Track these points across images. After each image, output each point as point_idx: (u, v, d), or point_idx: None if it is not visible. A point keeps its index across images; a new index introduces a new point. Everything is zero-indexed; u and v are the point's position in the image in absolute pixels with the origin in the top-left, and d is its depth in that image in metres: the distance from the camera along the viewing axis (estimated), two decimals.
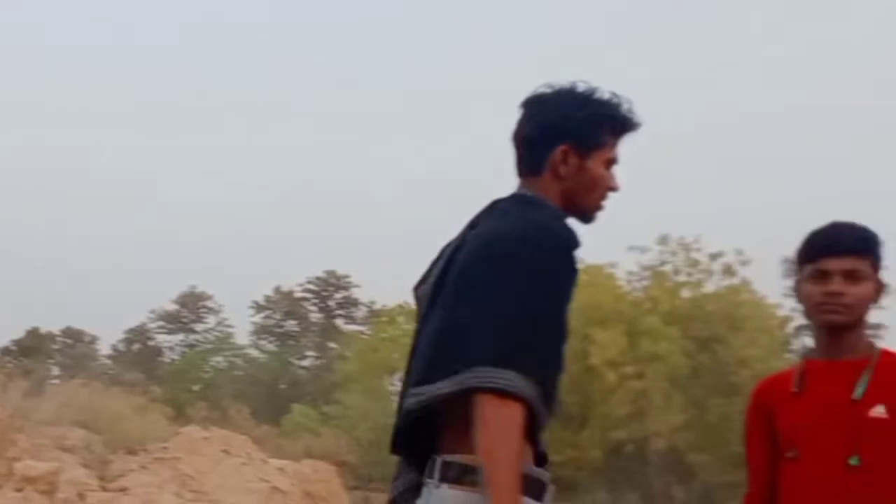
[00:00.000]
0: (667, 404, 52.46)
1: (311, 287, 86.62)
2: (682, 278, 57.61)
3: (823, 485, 3.32)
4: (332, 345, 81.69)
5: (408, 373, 2.88)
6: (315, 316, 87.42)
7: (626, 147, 2.95)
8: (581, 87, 2.91)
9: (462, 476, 2.63)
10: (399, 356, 61.88)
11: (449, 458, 2.68)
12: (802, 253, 3.50)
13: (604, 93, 2.91)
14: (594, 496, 59.55)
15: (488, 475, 2.52)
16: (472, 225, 2.88)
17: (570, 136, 2.86)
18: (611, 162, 2.94)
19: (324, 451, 34.20)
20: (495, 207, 2.86)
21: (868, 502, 3.29)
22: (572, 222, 2.90)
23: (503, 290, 2.62)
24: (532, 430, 2.65)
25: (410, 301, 3.12)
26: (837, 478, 3.31)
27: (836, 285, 3.37)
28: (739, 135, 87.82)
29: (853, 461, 3.29)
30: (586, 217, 2.96)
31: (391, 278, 76.02)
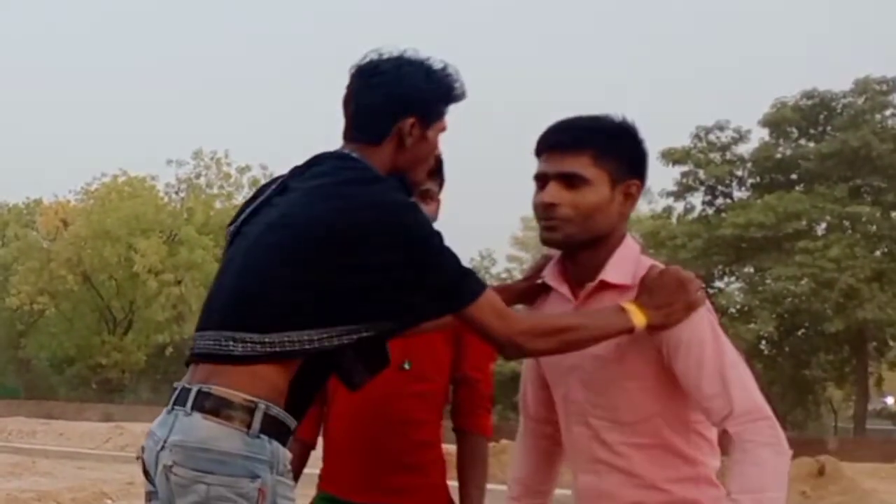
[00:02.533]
0: None
1: None
2: (214, 191, 58.66)
3: (377, 383, 3.27)
4: None
5: (215, 300, 2.72)
6: None
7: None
8: (415, 56, 2.79)
9: (219, 408, 2.50)
10: None
11: (206, 388, 2.53)
12: None
13: (437, 62, 2.79)
14: (138, 396, 59.07)
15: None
16: (293, 175, 2.78)
17: (417, 108, 2.73)
18: (442, 131, 2.83)
19: None
20: (321, 169, 2.74)
21: (415, 401, 3.41)
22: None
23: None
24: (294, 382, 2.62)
25: None
26: (390, 378, 3.29)
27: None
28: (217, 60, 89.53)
29: (406, 365, 3.40)
30: (412, 189, 2.85)
31: None
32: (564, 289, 2.75)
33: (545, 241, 2.71)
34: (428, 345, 3.39)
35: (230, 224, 2.86)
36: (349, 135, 2.80)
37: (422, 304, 2.60)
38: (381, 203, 2.59)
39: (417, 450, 3.43)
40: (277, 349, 2.54)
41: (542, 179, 2.68)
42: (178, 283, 53.65)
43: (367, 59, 2.80)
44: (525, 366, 2.99)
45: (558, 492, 3.07)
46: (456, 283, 2.58)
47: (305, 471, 3.52)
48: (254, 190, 2.96)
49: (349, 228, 2.55)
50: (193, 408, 2.54)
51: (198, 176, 59.02)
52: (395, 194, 2.63)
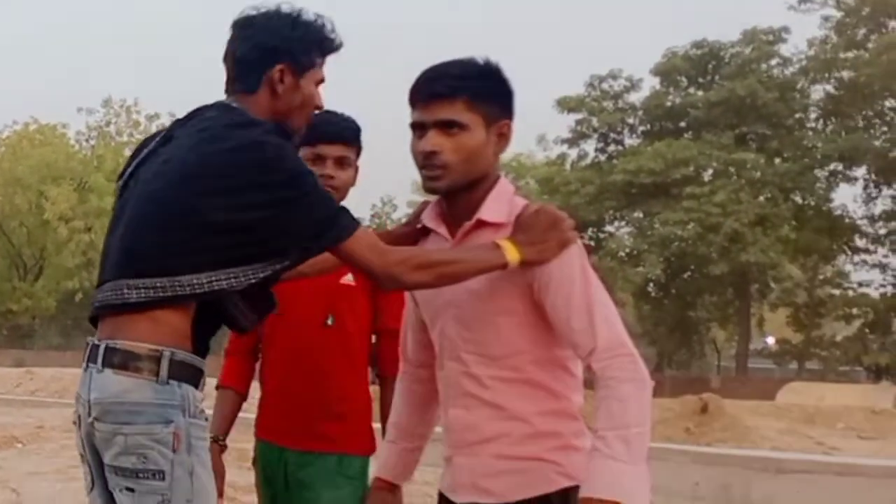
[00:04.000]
0: None
1: None
2: (124, 138, 57.51)
3: (304, 339, 3.49)
4: None
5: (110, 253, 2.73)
6: None
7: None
8: (288, 9, 2.80)
9: (127, 362, 2.53)
10: None
11: (112, 343, 2.56)
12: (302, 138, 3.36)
13: (309, 14, 2.81)
14: (48, 341, 58.61)
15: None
16: (176, 126, 2.81)
17: (286, 56, 2.75)
18: (320, 82, 2.85)
19: None
20: (202, 118, 2.75)
21: (338, 355, 3.51)
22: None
23: None
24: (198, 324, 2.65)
25: None
26: (316, 334, 3.49)
27: (329, 169, 3.41)
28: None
29: (329, 321, 3.50)
30: (294, 134, 2.85)
31: None
32: (442, 229, 2.74)
33: (429, 189, 2.69)
34: (349, 300, 3.50)
35: (118, 178, 2.86)
36: (229, 87, 2.82)
37: (300, 242, 2.62)
38: (253, 144, 2.59)
39: (344, 399, 3.53)
40: (170, 293, 2.56)
41: (419, 128, 2.65)
42: (89, 230, 52.93)
43: (244, 14, 2.82)
44: (406, 311, 2.98)
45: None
46: (331, 219, 2.59)
47: (241, 415, 3.72)
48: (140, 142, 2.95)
49: (223, 170, 2.57)
50: (104, 364, 2.57)
51: (108, 124, 58.38)
52: (268, 136, 2.63)
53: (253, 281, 2.61)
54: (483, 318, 2.65)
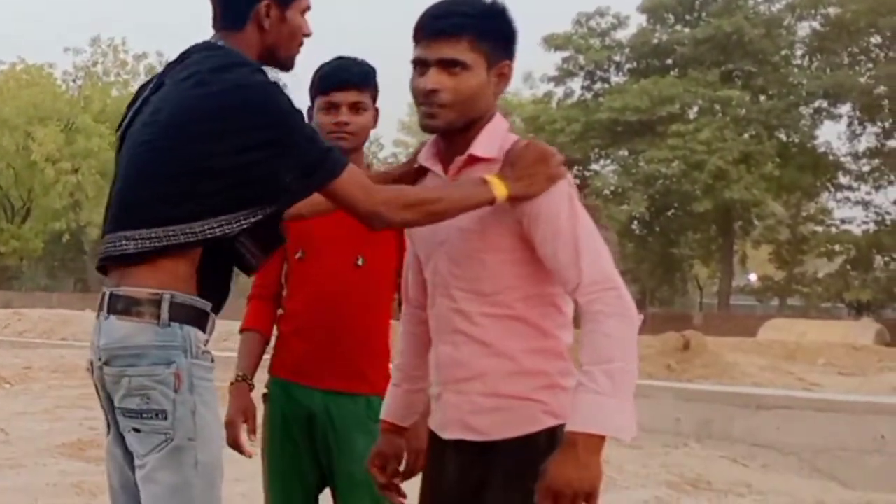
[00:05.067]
0: (99, 196, 51.38)
1: None
2: (111, 79, 57.51)
3: (336, 280, 3.53)
4: None
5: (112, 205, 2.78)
6: None
7: None
8: None
9: (129, 307, 2.60)
10: None
11: (115, 290, 2.63)
12: (315, 86, 3.52)
13: None
14: (36, 282, 59.31)
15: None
16: (167, 71, 2.80)
17: None
18: (306, 9, 2.83)
19: None
20: (189, 61, 2.74)
21: (369, 295, 3.58)
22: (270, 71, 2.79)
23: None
24: (206, 265, 2.67)
25: None
26: (347, 275, 3.54)
27: (344, 116, 3.47)
28: None
29: (360, 262, 3.55)
30: (286, 66, 2.85)
31: None
32: (438, 167, 2.74)
33: (426, 128, 2.68)
34: (377, 241, 3.49)
35: (118, 128, 2.87)
36: (216, 24, 2.81)
37: (291, 183, 2.62)
38: (238, 87, 2.59)
39: (374, 339, 3.61)
40: (165, 242, 2.58)
41: (421, 65, 2.63)
42: (76, 171, 52.60)
43: None
44: (408, 253, 3.00)
45: None
46: (321, 160, 2.60)
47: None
48: (137, 88, 2.94)
49: (210, 115, 2.58)
50: (109, 311, 2.64)
51: (95, 64, 57.71)
52: (252, 77, 2.63)
53: (245, 226, 2.62)
54: (472, 255, 2.65)
